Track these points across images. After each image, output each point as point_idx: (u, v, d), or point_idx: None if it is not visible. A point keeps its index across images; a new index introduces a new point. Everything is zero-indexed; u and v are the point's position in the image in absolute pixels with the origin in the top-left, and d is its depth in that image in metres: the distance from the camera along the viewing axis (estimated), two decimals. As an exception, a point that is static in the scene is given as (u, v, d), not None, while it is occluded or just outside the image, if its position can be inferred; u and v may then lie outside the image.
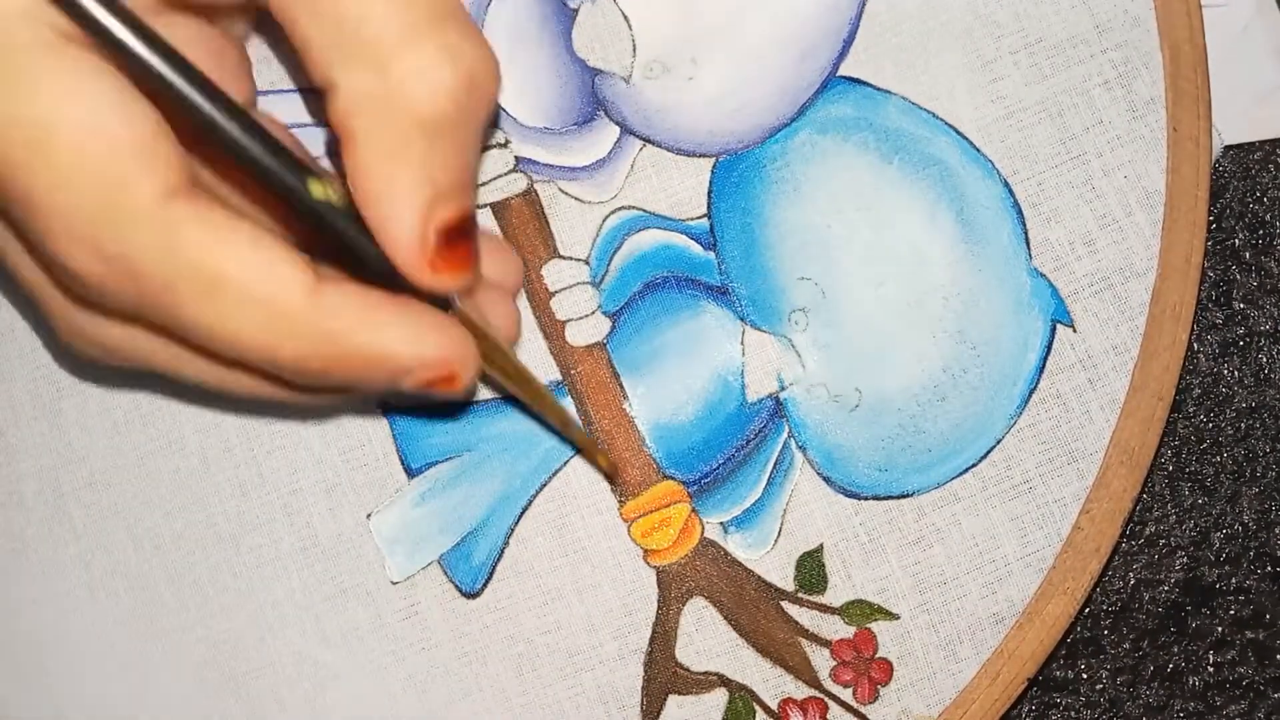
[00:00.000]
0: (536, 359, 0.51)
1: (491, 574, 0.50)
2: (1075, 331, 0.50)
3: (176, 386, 0.48)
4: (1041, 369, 0.50)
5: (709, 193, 0.51)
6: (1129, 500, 0.50)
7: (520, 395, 0.48)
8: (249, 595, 0.51)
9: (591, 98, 0.52)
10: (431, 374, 0.41)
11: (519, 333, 0.49)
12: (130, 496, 0.51)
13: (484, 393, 0.51)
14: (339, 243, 0.40)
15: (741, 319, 0.51)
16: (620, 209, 0.51)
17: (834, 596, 0.50)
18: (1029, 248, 0.50)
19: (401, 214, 0.39)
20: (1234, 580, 0.58)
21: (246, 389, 0.43)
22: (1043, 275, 0.50)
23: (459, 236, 0.41)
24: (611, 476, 0.51)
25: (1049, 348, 0.50)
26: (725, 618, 0.50)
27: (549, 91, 0.52)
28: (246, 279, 0.38)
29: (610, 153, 0.52)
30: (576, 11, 0.52)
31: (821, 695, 0.50)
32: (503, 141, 0.51)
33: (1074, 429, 0.50)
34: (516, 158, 0.51)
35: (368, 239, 0.40)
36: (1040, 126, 0.50)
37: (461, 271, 0.41)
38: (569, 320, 0.51)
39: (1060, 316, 0.50)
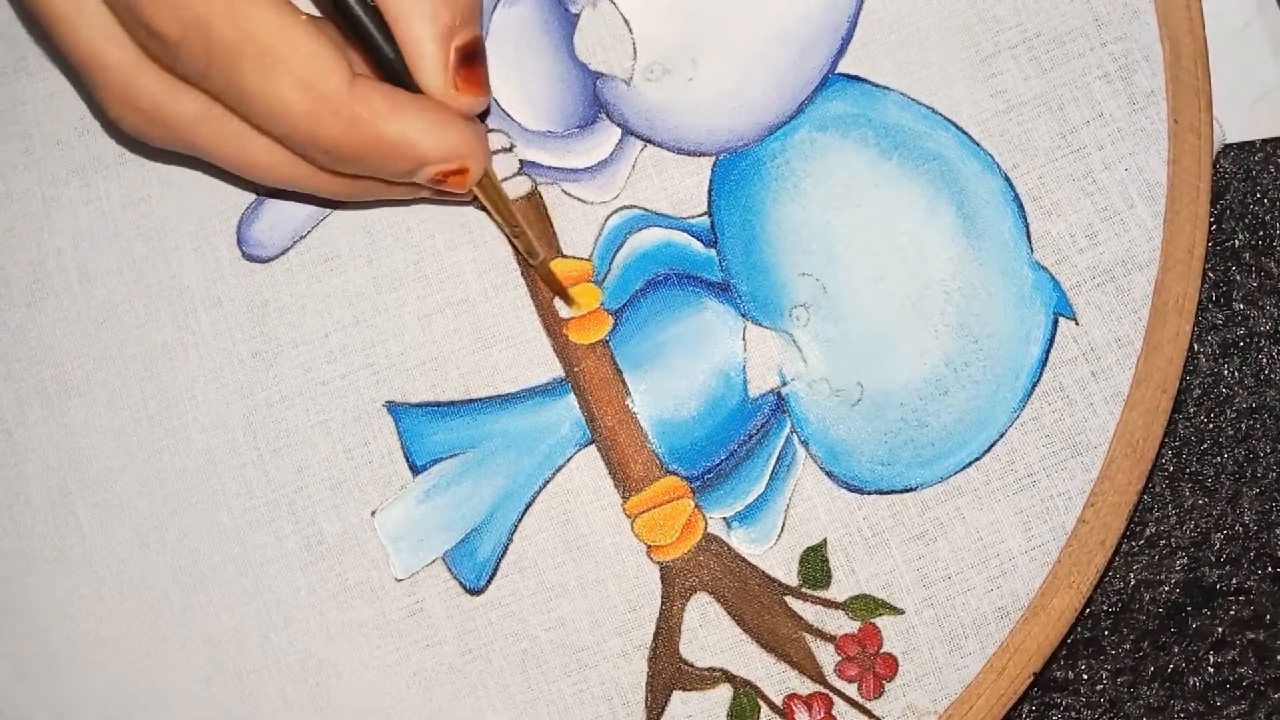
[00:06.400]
0: (540, 357, 0.51)
1: (495, 571, 0.51)
2: (1078, 324, 0.50)
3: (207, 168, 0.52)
4: (1044, 362, 0.50)
5: (709, 191, 0.51)
6: (1134, 493, 0.50)
7: (496, 214, 0.49)
8: (253, 593, 0.51)
9: (593, 101, 0.52)
10: (446, 166, 0.46)
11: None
12: (136, 496, 0.51)
13: (487, 390, 0.51)
14: (378, 58, 0.46)
15: (743, 315, 0.51)
16: (622, 208, 0.52)
17: (838, 591, 0.50)
18: (1030, 241, 0.50)
19: (424, 33, 0.45)
20: (1234, 581, 0.58)
21: (278, 172, 0.48)
22: (1044, 268, 0.50)
23: (474, 59, 0.46)
24: (564, 295, 0.51)
25: (1051, 341, 0.50)
26: (729, 613, 0.50)
27: (552, 96, 0.52)
28: (299, 60, 0.43)
29: (612, 154, 0.52)
30: (578, 17, 0.52)
31: (826, 690, 0.50)
32: (507, 146, 0.52)
33: (1078, 422, 0.50)
34: (521, 161, 0.52)
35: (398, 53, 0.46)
36: (1040, 120, 0.51)
37: (479, 91, 0.46)
38: (572, 318, 0.51)
39: (1062, 309, 0.50)
